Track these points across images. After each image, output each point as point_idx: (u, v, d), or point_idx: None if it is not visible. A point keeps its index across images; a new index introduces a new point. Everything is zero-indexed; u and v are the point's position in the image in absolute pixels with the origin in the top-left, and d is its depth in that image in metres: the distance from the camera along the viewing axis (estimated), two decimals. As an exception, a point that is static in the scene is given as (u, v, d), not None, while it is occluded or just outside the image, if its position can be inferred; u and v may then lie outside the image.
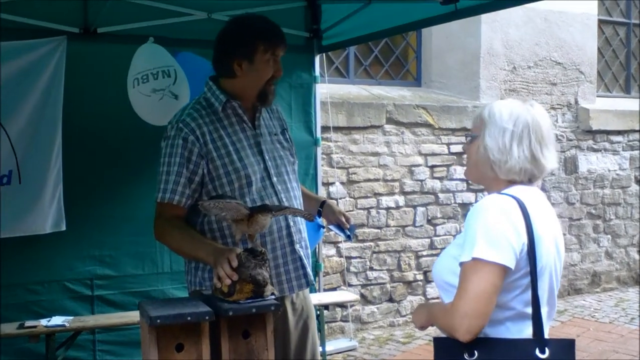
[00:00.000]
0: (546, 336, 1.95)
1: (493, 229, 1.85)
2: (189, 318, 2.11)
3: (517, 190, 1.96)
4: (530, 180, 2.01)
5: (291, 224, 2.70)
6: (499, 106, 2.02)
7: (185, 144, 2.59)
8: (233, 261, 2.27)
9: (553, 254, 1.97)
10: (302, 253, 2.77)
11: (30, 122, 3.88)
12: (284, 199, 2.70)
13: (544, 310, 1.95)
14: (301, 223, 2.79)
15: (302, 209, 2.73)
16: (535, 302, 1.91)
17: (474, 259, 1.83)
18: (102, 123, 4.23)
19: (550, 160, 2.00)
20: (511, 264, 1.84)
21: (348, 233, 3.02)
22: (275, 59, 2.69)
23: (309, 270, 2.82)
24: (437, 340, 2.00)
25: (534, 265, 1.89)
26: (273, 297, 2.30)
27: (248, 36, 2.66)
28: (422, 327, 2.12)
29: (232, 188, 2.61)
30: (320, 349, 4.91)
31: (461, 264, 1.87)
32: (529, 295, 1.91)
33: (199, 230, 2.67)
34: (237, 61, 2.66)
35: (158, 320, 2.08)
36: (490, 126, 1.99)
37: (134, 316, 3.96)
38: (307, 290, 2.89)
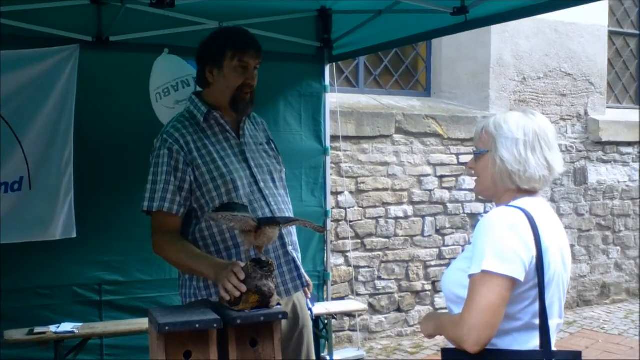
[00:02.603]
0: (553, 348, 1.96)
1: (502, 242, 1.86)
2: (197, 325, 2.12)
3: (524, 202, 1.97)
4: (537, 190, 2.02)
5: (282, 228, 2.69)
6: (503, 118, 2.03)
7: (171, 153, 2.65)
8: (240, 274, 2.29)
9: (560, 264, 1.98)
10: (294, 255, 2.79)
11: (43, 130, 3.92)
12: (273, 203, 2.74)
13: (552, 322, 1.95)
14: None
15: (306, 219, 2.71)
16: (543, 314, 1.92)
17: (483, 272, 1.84)
18: (113, 130, 4.26)
19: (559, 163, 2.02)
20: (520, 277, 1.85)
21: (310, 306, 2.95)
22: (245, 67, 2.73)
23: (303, 271, 2.83)
24: (445, 352, 2.01)
25: (542, 277, 1.90)
26: (279, 306, 2.31)
27: (217, 43, 2.75)
28: (430, 336, 2.13)
29: (219, 193, 2.65)
30: (328, 358, 4.95)
31: (470, 276, 1.88)
32: (536, 306, 1.92)
33: (191, 239, 2.70)
34: (208, 68, 2.76)
35: (166, 327, 2.09)
36: (500, 139, 2.00)
37: (142, 323, 3.97)
38: (303, 300, 2.89)
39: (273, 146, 2.96)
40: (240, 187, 2.67)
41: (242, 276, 2.28)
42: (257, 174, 2.75)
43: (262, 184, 2.74)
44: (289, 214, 2.83)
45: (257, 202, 2.70)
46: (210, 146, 2.71)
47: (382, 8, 4.25)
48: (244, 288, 2.25)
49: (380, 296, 6.09)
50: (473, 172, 2.13)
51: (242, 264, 2.35)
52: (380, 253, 6.07)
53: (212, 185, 2.65)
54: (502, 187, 2.02)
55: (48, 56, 3.91)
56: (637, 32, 8.06)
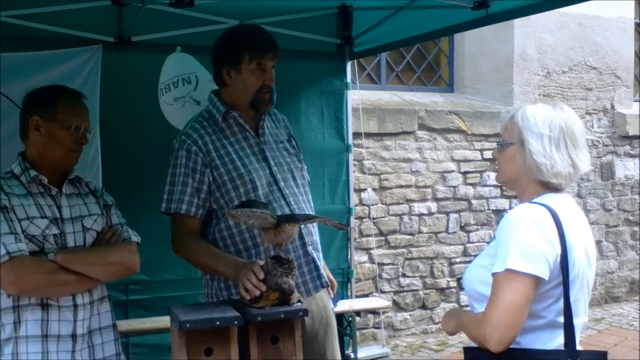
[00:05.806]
0: (578, 347, 1.93)
1: (526, 240, 1.83)
2: (217, 323, 2.13)
3: (548, 198, 1.94)
4: (562, 186, 1.99)
5: (302, 225, 2.68)
6: (531, 111, 2.00)
7: (189, 154, 2.66)
8: (259, 273, 2.29)
9: (584, 262, 1.95)
10: (314, 255, 2.78)
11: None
12: (293, 202, 2.72)
13: (577, 320, 1.93)
14: (312, 225, 2.79)
15: (326, 217, 2.70)
16: (568, 312, 1.89)
17: (507, 270, 1.82)
18: (137, 130, 4.29)
19: (585, 162, 1.98)
20: (544, 275, 1.82)
21: (332, 306, 2.93)
22: (263, 68, 2.71)
23: (323, 271, 2.82)
24: (467, 351, 1.99)
25: (566, 275, 1.87)
26: (300, 304, 2.31)
27: (234, 45, 2.72)
28: (451, 333, 2.12)
29: (238, 193, 2.64)
30: (352, 355, 4.94)
31: (494, 274, 1.86)
32: (561, 304, 1.89)
33: (211, 239, 2.70)
34: (226, 70, 2.74)
35: (187, 325, 2.10)
36: (527, 131, 1.97)
37: (166, 321, 3.99)
38: (327, 298, 2.87)
39: (294, 143, 2.93)
40: (259, 186, 2.66)
41: (261, 275, 2.28)
42: (277, 172, 2.74)
43: (281, 183, 2.73)
44: (310, 212, 2.81)
45: (277, 202, 2.68)
46: (229, 146, 2.70)
47: (402, 4, 4.22)
48: (263, 287, 2.25)
49: (404, 293, 6.07)
50: (496, 161, 2.11)
51: (262, 263, 2.35)
52: (404, 250, 6.05)
53: (230, 186, 2.65)
54: (528, 179, 1.99)
55: (71, 57, 3.93)
56: (664, 23, 7.94)
